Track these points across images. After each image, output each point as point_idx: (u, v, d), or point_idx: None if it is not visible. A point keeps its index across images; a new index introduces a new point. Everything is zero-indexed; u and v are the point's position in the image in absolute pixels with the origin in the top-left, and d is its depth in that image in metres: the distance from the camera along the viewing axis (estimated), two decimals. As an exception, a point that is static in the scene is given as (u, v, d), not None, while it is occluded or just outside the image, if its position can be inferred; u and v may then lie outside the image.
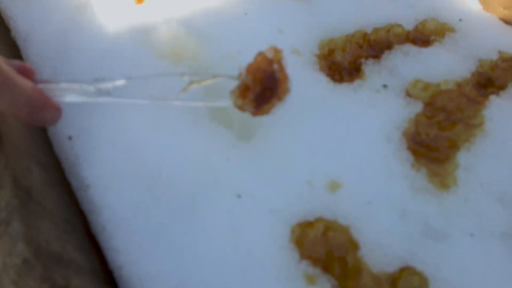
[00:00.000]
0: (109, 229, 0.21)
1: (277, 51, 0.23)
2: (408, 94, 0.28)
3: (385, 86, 0.28)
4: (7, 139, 0.22)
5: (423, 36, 0.36)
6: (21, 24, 0.32)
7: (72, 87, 0.23)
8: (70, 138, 0.24)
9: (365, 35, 0.34)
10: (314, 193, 0.23)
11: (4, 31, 0.33)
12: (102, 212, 0.22)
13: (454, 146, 0.24)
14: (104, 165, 0.23)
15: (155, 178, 0.23)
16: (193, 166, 0.23)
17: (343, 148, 0.25)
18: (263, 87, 0.23)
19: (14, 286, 0.17)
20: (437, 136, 0.25)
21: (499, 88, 0.32)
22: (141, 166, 0.23)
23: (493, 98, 0.27)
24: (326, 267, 0.21)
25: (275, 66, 0.23)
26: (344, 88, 0.28)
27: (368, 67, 0.30)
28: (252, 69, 0.23)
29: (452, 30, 0.36)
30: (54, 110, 0.22)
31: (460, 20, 0.37)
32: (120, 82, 0.23)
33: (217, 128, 0.25)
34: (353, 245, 0.22)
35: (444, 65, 0.31)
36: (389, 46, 0.35)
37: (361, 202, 0.23)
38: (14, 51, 0.32)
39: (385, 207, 0.23)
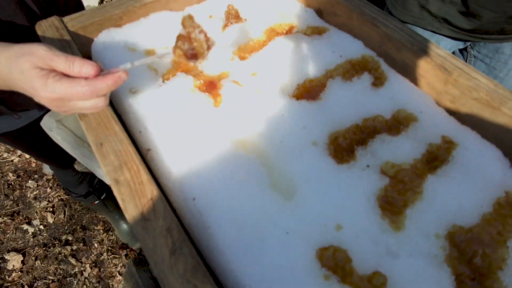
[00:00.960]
0: (227, 253, 0.40)
1: (189, 19, 0.42)
2: (382, 171, 0.47)
3: (368, 166, 0.48)
4: (168, 205, 0.42)
5: (397, 123, 0.56)
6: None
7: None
8: (194, 199, 0.44)
9: (357, 126, 0.54)
10: (328, 231, 0.43)
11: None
12: (220, 241, 0.41)
13: (405, 206, 0.44)
14: (218, 215, 0.42)
15: (244, 222, 0.42)
16: (262, 215, 0.43)
17: (343, 205, 0.44)
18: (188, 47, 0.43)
19: (192, 278, 0.36)
20: (396, 199, 0.45)
21: (441, 162, 0.51)
22: (237, 214, 0.42)
23: (429, 176, 0.47)
24: (335, 271, 0.40)
25: (193, 34, 0.42)
26: (344, 167, 0.47)
27: (359, 152, 0.50)
28: (180, 37, 0.43)
29: (415, 119, 0.56)
30: (109, 83, 0.41)
31: (421, 112, 0.57)
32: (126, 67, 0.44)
33: (274, 193, 0.45)
34: (349, 260, 0.41)
35: (406, 150, 0.50)
36: (374, 131, 0.54)
37: (352, 237, 0.42)
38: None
39: (365, 239, 0.42)
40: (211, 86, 0.55)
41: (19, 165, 2.05)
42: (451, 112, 0.56)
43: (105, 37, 0.63)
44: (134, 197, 0.42)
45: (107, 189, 1.40)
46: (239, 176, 0.45)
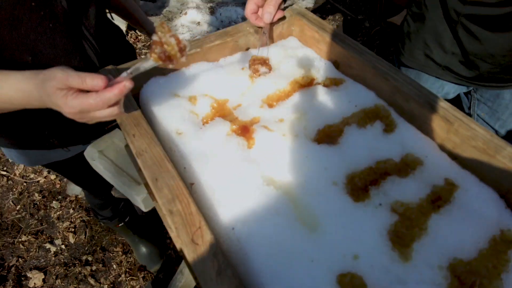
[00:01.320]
0: (261, 276, 0.48)
1: (161, 26, 0.48)
2: (392, 209, 0.55)
3: (380, 204, 0.56)
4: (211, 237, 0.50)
5: (405, 166, 0.64)
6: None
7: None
8: (233, 229, 0.52)
9: (371, 168, 0.62)
10: (346, 260, 0.50)
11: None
12: (255, 266, 0.49)
13: (413, 240, 0.51)
14: (254, 243, 0.50)
15: (275, 250, 0.50)
16: (290, 245, 0.51)
17: (359, 238, 0.52)
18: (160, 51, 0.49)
19: (235, 295, 0.44)
20: (405, 233, 0.52)
21: (444, 202, 0.59)
22: (270, 243, 0.50)
23: (433, 214, 0.55)
24: (352, 295, 0.48)
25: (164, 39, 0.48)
26: (360, 205, 0.56)
27: (372, 191, 0.58)
28: (153, 43, 0.50)
29: (421, 163, 0.64)
30: (116, 92, 0.50)
31: (426, 156, 0.65)
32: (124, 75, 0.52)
33: (300, 226, 0.53)
34: (364, 286, 0.48)
35: (413, 190, 0.58)
36: (386, 173, 0.62)
37: (367, 265, 0.50)
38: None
39: (378, 268, 0.49)
40: (244, 130, 0.65)
41: (45, 186, 2.16)
42: (453, 157, 0.64)
43: (153, 84, 0.74)
44: (185, 226, 0.50)
45: (130, 213, 1.49)
46: (271, 210, 0.54)
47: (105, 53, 0.80)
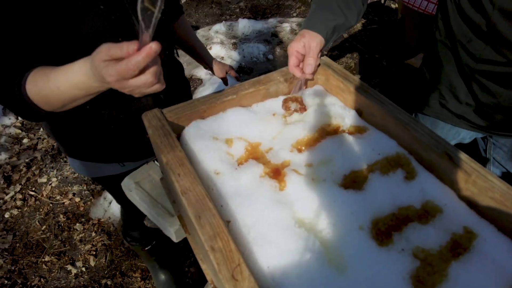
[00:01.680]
0: None
1: None
2: (414, 255, 0.60)
3: (403, 249, 0.60)
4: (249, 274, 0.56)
5: (425, 214, 0.68)
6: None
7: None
8: (268, 267, 0.58)
9: (394, 214, 0.67)
10: (372, 301, 0.55)
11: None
12: (287, 302, 0.54)
13: (434, 286, 0.56)
14: (287, 282, 0.55)
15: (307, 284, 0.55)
16: (320, 284, 0.56)
17: (384, 281, 0.56)
18: None
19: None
20: (426, 279, 0.56)
21: (464, 250, 0.63)
22: (302, 282, 0.55)
23: (453, 262, 0.59)
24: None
25: None
26: (383, 249, 0.60)
27: (395, 236, 0.63)
28: None
29: (440, 211, 0.68)
30: (143, 55, 0.51)
31: (445, 204, 0.69)
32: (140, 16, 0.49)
33: (330, 267, 0.58)
34: (389, 327, 0.52)
35: (433, 237, 0.62)
36: (407, 220, 0.67)
37: (392, 308, 0.54)
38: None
39: (403, 311, 0.53)
40: (276, 173, 0.72)
41: (69, 208, 2.24)
42: (472, 206, 0.69)
43: (193, 127, 0.82)
44: (226, 262, 0.56)
45: (156, 238, 1.54)
46: (303, 251, 0.59)
47: (167, 87, 0.90)
